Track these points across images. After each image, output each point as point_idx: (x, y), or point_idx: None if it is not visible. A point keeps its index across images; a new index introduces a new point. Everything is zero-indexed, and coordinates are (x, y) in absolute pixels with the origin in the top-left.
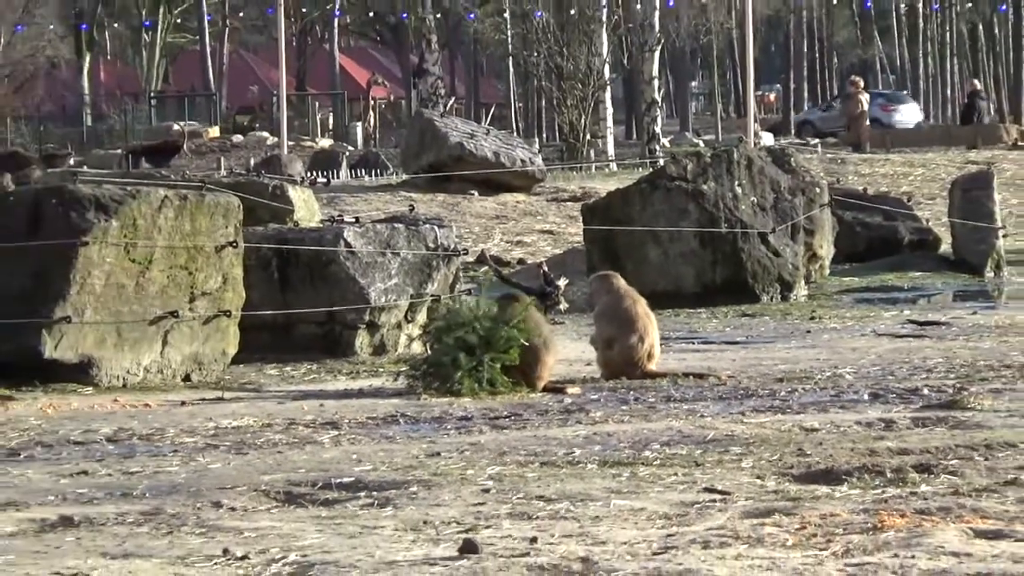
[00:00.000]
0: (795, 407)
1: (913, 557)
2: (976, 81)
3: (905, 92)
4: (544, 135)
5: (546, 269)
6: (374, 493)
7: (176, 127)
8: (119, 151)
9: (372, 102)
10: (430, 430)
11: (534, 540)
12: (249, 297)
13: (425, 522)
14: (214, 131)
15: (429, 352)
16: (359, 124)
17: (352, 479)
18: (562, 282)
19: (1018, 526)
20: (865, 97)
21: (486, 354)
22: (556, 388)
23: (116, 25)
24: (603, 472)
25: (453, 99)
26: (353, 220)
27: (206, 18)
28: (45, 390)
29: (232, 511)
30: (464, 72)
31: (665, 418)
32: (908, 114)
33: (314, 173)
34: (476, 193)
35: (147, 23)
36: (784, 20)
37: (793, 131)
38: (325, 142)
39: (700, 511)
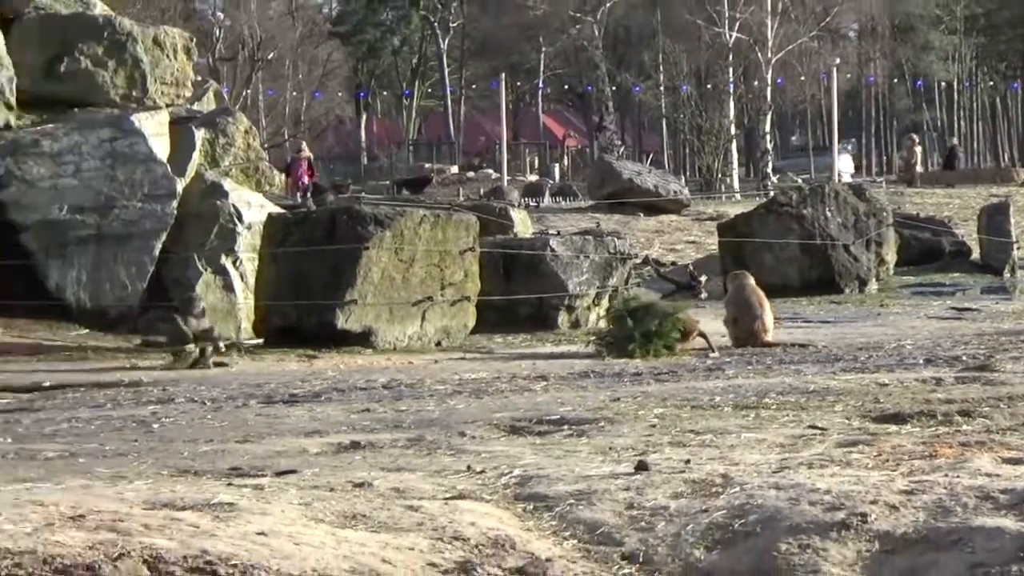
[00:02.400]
0: (871, 368)
1: (958, 476)
2: (955, 139)
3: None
4: (688, 174)
5: (692, 269)
6: (573, 427)
7: (427, 166)
8: (387, 183)
9: (566, 149)
10: (612, 382)
11: (688, 461)
12: (483, 286)
13: (610, 448)
14: (454, 169)
15: (611, 327)
16: (557, 165)
17: (558, 416)
18: (703, 278)
19: None
20: (919, 149)
21: (653, 334)
22: (701, 353)
23: (385, 93)
24: (736, 413)
25: (623, 147)
26: (555, 233)
27: (449, 88)
28: (339, 352)
29: (473, 439)
30: (631, 128)
31: (779, 375)
32: (845, 164)
33: (527, 199)
34: (642, 214)
35: (407, 92)
36: (859, 92)
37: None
38: (533, 177)
39: (805, 442)
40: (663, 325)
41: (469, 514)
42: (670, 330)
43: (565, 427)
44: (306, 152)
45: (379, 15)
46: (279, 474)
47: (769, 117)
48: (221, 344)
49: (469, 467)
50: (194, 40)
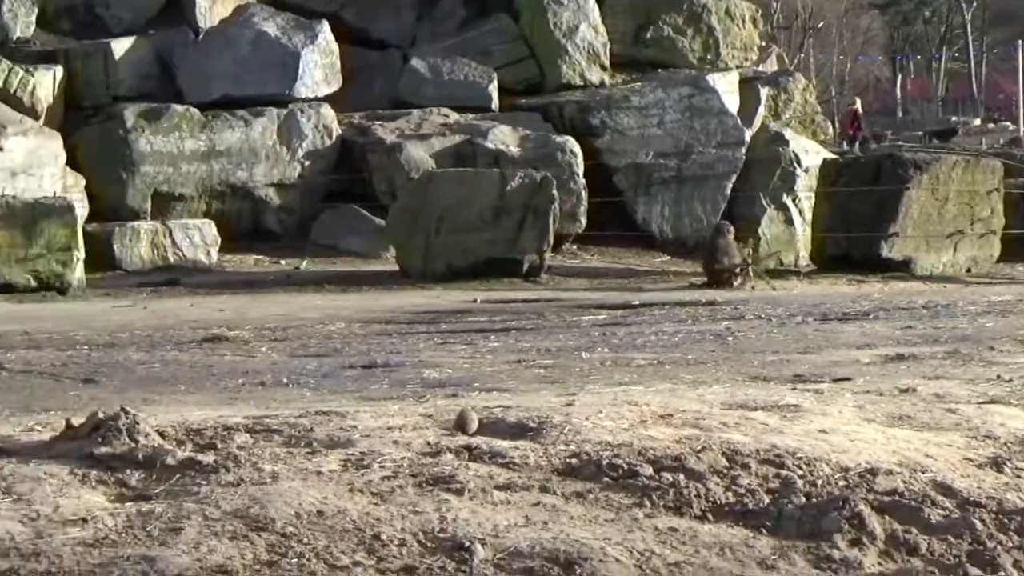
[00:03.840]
0: None
1: None
2: None
3: None
4: None
5: None
6: None
7: (953, 119)
8: (919, 133)
9: None
10: None
11: None
12: (1007, 221)
13: None
14: (976, 122)
15: None
16: None
17: None
18: None
19: None
20: None
21: None
22: None
23: (918, 56)
24: None
25: None
26: None
27: (972, 53)
28: (882, 277)
29: (1001, 352)
30: None
31: None
32: None
33: None
34: None
35: (936, 55)
36: None
37: None
38: None
39: None
40: None
41: (999, 416)
42: None
43: None
44: (855, 106)
45: None
46: (835, 380)
47: None
48: (756, 267)
49: (998, 376)
50: (759, 11)
